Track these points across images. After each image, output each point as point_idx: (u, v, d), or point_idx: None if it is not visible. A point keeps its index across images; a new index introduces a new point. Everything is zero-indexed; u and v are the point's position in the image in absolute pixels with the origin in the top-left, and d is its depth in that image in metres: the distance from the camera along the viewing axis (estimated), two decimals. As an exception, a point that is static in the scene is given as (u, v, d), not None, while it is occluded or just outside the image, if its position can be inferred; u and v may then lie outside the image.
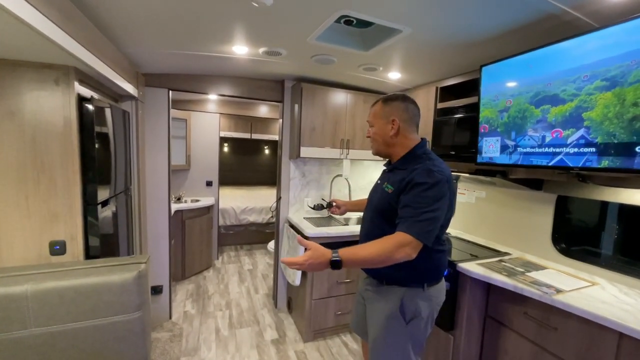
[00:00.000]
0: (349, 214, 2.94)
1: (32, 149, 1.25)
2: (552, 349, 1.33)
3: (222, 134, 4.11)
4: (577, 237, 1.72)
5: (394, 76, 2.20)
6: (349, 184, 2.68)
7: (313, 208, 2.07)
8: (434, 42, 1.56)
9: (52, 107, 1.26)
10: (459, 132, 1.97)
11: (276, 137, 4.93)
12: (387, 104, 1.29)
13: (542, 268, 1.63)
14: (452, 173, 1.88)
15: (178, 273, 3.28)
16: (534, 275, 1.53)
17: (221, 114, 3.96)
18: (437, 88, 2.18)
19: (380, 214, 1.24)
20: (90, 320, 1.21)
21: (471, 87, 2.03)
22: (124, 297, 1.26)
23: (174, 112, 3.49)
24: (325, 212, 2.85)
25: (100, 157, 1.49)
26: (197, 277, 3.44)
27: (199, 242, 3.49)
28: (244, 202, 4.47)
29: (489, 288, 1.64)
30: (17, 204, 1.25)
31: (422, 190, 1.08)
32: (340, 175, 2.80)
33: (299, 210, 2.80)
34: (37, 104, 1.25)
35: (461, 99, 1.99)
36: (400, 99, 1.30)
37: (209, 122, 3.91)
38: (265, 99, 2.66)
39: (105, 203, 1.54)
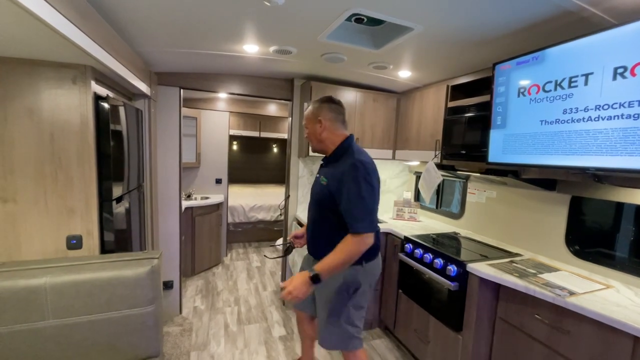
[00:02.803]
0: (357, 213, 2.94)
1: (50, 146, 1.29)
2: (565, 352, 1.31)
3: (232, 132, 4.15)
4: (591, 238, 1.69)
5: (404, 74, 2.19)
6: (357, 182, 2.68)
7: (283, 256, 2.20)
8: (445, 40, 1.54)
9: (70, 106, 1.29)
10: (470, 131, 1.95)
11: (284, 136, 4.96)
12: (315, 106, 1.45)
13: (555, 270, 1.61)
14: (463, 172, 1.93)
15: (188, 269, 3.34)
16: (546, 277, 1.50)
17: (231, 112, 3.99)
18: (447, 86, 2.15)
19: (321, 204, 1.43)
20: (105, 313, 1.25)
21: (482, 85, 2.00)
22: (138, 291, 1.29)
23: (184, 111, 3.54)
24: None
25: (114, 154, 1.52)
26: (207, 274, 3.49)
27: (208, 239, 3.54)
28: (252, 200, 4.51)
29: (499, 289, 1.63)
30: (35, 200, 1.29)
31: (356, 186, 1.25)
32: (349, 174, 2.79)
33: (307, 209, 2.80)
34: (55, 103, 1.28)
35: (472, 98, 1.97)
36: (325, 100, 1.46)
37: (219, 121, 3.95)
38: (274, 98, 2.67)
39: (119, 199, 1.57)
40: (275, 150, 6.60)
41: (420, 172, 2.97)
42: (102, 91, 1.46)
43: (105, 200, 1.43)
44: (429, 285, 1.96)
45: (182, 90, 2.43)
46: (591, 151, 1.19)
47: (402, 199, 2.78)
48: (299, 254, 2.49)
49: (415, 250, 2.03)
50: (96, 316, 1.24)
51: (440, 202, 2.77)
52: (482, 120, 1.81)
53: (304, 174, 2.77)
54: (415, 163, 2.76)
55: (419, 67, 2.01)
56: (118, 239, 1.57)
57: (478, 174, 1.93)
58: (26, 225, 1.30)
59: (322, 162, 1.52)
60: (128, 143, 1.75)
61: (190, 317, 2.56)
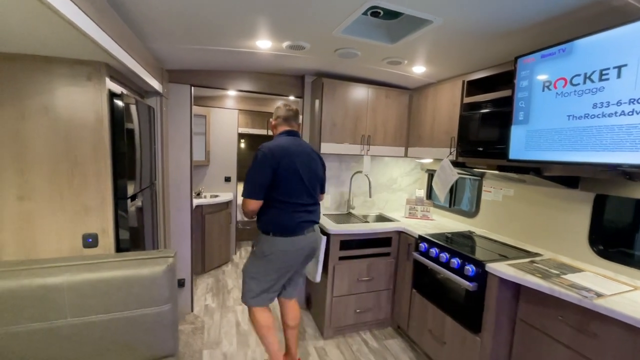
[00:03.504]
0: (367, 211, 2.91)
1: (65, 144, 1.28)
2: (591, 355, 1.27)
3: (240, 130, 4.13)
4: (616, 238, 1.63)
5: (419, 70, 2.14)
6: (369, 180, 2.64)
7: None
8: (465, 33, 1.50)
9: (84, 103, 1.28)
10: (487, 127, 1.89)
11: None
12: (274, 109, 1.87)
13: (578, 270, 1.56)
14: (480, 170, 1.90)
15: (198, 267, 3.34)
16: (571, 277, 1.45)
17: (239, 110, 3.98)
18: (463, 82, 2.10)
19: None
20: (122, 312, 1.24)
21: (500, 80, 1.95)
22: (154, 290, 1.28)
23: (194, 109, 3.53)
24: (344, 210, 2.83)
25: (129, 152, 1.51)
26: (217, 272, 3.49)
27: (218, 237, 3.54)
28: (261, 198, 4.49)
29: (519, 290, 1.58)
30: (51, 197, 1.29)
31: (251, 163, 1.65)
32: (360, 172, 2.76)
33: (318, 207, 2.78)
34: (70, 100, 1.27)
35: (489, 93, 1.91)
36: (279, 105, 1.88)
37: (228, 119, 3.94)
38: (285, 95, 2.64)
39: (133, 198, 1.56)
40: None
41: (433, 170, 2.92)
42: (117, 88, 1.45)
43: (120, 199, 1.42)
44: (445, 285, 1.92)
45: (193, 87, 2.41)
46: (624, 147, 1.13)
47: (415, 197, 2.73)
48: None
49: (431, 250, 1.99)
50: (113, 315, 1.23)
51: (454, 200, 2.72)
52: (501, 116, 1.76)
53: (315, 172, 2.73)
54: (428, 161, 2.71)
55: (434, 62, 1.96)
56: (132, 237, 1.57)
57: (496, 172, 1.88)
58: (43, 224, 1.29)
59: None
60: (141, 141, 1.74)
61: (201, 315, 2.56)
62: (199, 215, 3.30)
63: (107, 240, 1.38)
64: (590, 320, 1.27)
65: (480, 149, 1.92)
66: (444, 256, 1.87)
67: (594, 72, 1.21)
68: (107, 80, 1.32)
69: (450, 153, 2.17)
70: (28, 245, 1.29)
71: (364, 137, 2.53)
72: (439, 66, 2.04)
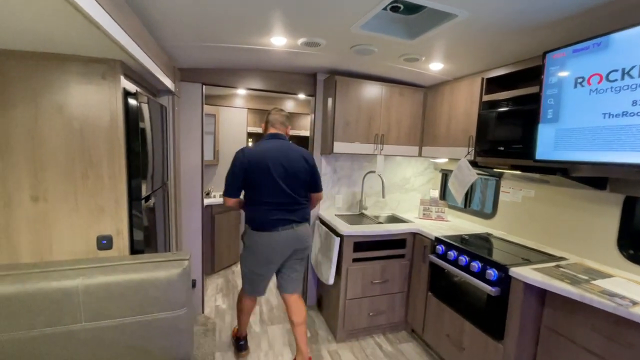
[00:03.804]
0: (379, 212, 2.86)
1: (80, 143, 1.25)
2: (626, 366, 1.20)
3: (249, 129, 4.11)
4: (647, 242, 1.56)
5: (436, 67, 2.07)
6: (382, 180, 2.59)
7: None
8: (491, 28, 1.43)
9: (99, 102, 1.25)
10: (509, 126, 1.83)
11: (301, 133, 4.89)
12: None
13: (608, 276, 1.49)
14: (500, 170, 1.87)
15: (208, 267, 3.32)
16: (601, 283, 1.39)
17: (249, 109, 3.95)
18: (482, 79, 2.03)
19: None
20: (137, 316, 1.21)
21: (522, 77, 1.88)
22: (169, 294, 1.24)
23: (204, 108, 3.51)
24: (356, 210, 2.78)
25: (142, 152, 1.48)
26: (226, 272, 3.47)
27: (227, 236, 3.51)
28: (269, 198, 4.46)
29: (544, 295, 1.52)
30: (66, 198, 1.26)
31: None
32: (373, 172, 2.70)
33: (330, 207, 2.74)
34: (85, 98, 1.24)
35: (511, 90, 1.84)
36: (270, 109, 2.03)
37: (237, 118, 3.91)
38: (296, 93, 2.60)
39: (147, 198, 1.54)
40: (290, 147, 6.53)
41: (447, 170, 2.85)
42: (131, 87, 1.42)
43: (134, 199, 1.39)
44: (463, 289, 1.86)
45: (204, 86, 2.38)
46: (667, 147, 1.07)
47: (429, 198, 2.67)
48: (322, 254, 2.43)
49: (449, 252, 1.93)
50: (128, 319, 1.20)
51: (470, 201, 2.66)
52: (525, 115, 1.69)
53: (327, 172, 2.69)
54: (443, 160, 2.65)
55: (453, 58, 1.89)
56: (146, 238, 1.54)
57: (517, 172, 1.82)
58: (57, 225, 1.27)
59: None
60: (153, 140, 1.71)
61: (212, 317, 2.53)
62: (209, 215, 3.28)
63: (122, 242, 1.35)
64: (625, 330, 1.20)
65: (501, 148, 1.86)
66: (463, 259, 1.81)
67: (633, 67, 1.14)
68: (122, 79, 1.29)
69: (468, 153, 2.11)
70: (44, 247, 1.27)
71: (377, 136, 2.48)
72: (457, 63, 1.98)
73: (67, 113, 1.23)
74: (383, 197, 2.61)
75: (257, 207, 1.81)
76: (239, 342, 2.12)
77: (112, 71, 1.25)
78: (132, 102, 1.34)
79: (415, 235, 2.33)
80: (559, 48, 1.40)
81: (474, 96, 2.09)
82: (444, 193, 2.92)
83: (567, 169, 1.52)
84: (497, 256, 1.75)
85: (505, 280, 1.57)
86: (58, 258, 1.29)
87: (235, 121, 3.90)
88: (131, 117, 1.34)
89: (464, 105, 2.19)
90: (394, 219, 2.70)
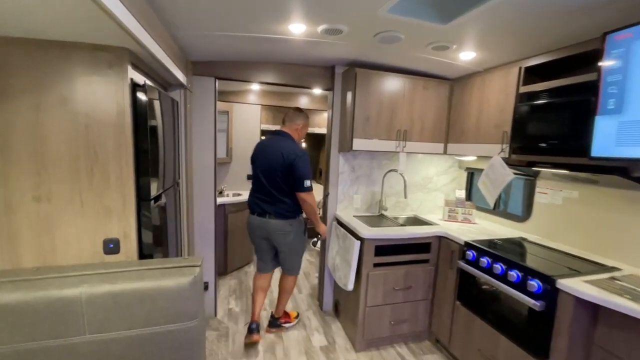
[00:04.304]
0: (400, 213, 2.69)
1: (85, 139, 1.16)
2: None
3: (263, 126, 4.01)
4: None
5: (467, 56, 1.90)
6: (404, 180, 2.43)
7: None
8: (537, 8, 1.26)
9: (105, 94, 1.15)
10: (552, 120, 1.64)
11: (316, 130, 4.76)
12: None
13: (675, 291, 1.29)
14: (543, 169, 1.87)
15: (220, 268, 3.24)
16: (670, 300, 1.20)
17: (262, 105, 3.84)
18: (520, 69, 1.84)
19: None
20: (145, 328, 1.10)
21: (566, 65, 1.69)
22: (180, 304, 1.13)
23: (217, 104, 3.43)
24: (375, 211, 2.63)
25: (152, 148, 1.38)
26: (239, 273, 3.38)
27: (240, 236, 3.42)
28: (283, 197, 4.36)
29: (597, 311, 1.34)
30: (71, 198, 1.17)
31: None
32: (394, 170, 2.54)
33: (347, 208, 2.60)
34: (90, 90, 1.14)
35: (556, 80, 1.64)
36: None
37: (250, 114, 3.82)
38: (312, 87, 2.46)
39: (157, 198, 1.44)
40: (304, 144, 6.42)
41: (473, 169, 2.66)
42: (140, 79, 1.31)
43: (142, 200, 1.29)
44: (497, 299, 1.69)
45: (217, 80, 2.28)
46: None
47: (455, 199, 2.49)
48: (340, 257, 2.29)
49: (481, 259, 1.76)
50: (135, 331, 1.09)
51: (499, 202, 2.46)
52: (573, 106, 1.51)
53: (345, 170, 2.55)
54: (470, 158, 2.46)
55: (489, 45, 1.71)
56: (155, 241, 1.44)
57: (564, 171, 1.63)
58: (61, 227, 1.18)
59: None
60: (164, 137, 1.61)
61: (225, 321, 2.44)
62: (222, 214, 3.20)
63: (130, 246, 1.25)
64: None
65: (543, 144, 1.67)
66: (498, 267, 1.64)
67: None
68: (130, 69, 1.19)
69: (502, 150, 1.92)
70: (46, 250, 1.18)
71: (399, 132, 2.31)
72: (492, 51, 1.79)
73: (71, 106, 1.13)
74: (405, 197, 2.45)
75: (250, 191, 2.17)
76: (250, 325, 2.15)
77: (119, 60, 1.15)
78: (140, 94, 1.24)
79: (441, 239, 2.16)
80: (623, 28, 1.21)
81: (509, 88, 1.90)
82: (469, 193, 2.73)
83: (627, 168, 1.33)
84: (538, 264, 1.57)
85: (551, 293, 1.39)
86: (62, 262, 1.20)
87: (248, 118, 3.81)
88: (139, 111, 1.24)
89: (496, 98, 2.00)
90: (416, 221, 2.54)
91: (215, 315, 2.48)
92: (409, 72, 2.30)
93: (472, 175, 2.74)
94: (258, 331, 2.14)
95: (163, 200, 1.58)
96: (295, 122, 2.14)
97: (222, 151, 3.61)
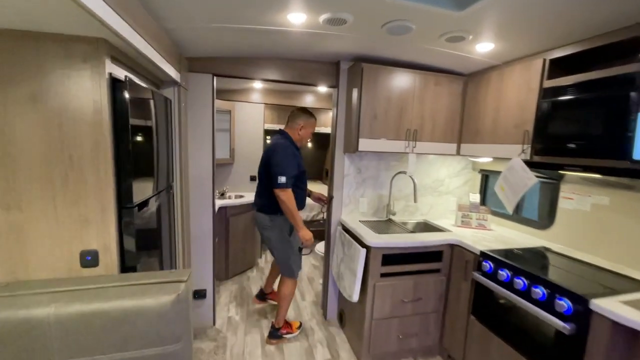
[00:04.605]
0: (409, 217, 2.54)
1: (58, 141, 1.04)
2: None
3: (266, 126, 3.89)
4: None
5: (484, 48, 1.73)
6: (414, 182, 2.27)
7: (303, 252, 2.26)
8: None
9: (80, 90, 1.04)
10: (582, 118, 1.46)
11: (321, 130, 4.62)
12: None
13: None
14: (571, 173, 1.77)
15: (221, 273, 3.13)
16: None
17: (265, 104, 3.72)
18: (544, 61, 1.67)
19: None
20: (121, 352, 0.99)
21: (598, 57, 1.51)
22: (161, 326, 1.01)
23: (218, 103, 3.31)
24: (383, 216, 2.48)
25: (138, 150, 1.26)
26: (241, 277, 3.27)
27: (242, 240, 3.31)
28: (287, 198, 4.23)
29: (636, 337, 1.16)
30: (44, 206, 1.06)
31: None
32: (403, 172, 2.39)
33: (353, 212, 2.45)
34: (63, 86, 1.03)
35: (588, 73, 1.46)
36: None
37: (253, 114, 3.70)
38: (317, 84, 2.32)
39: (143, 204, 1.32)
40: (309, 144, 6.29)
41: (488, 171, 2.49)
42: (123, 74, 1.20)
43: (125, 207, 1.17)
44: (518, 317, 1.52)
45: (215, 77, 2.16)
46: None
47: (469, 203, 2.32)
48: (345, 265, 2.15)
49: (499, 272, 1.59)
50: (110, 356, 0.98)
51: (517, 207, 2.27)
52: (609, 103, 1.33)
53: (350, 172, 2.40)
54: (485, 160, 2.29)
55: (510, 35, 1.54)
56: (142, 251, 1.32)
57: (596, 175, 1.45)
58: (33, 238, 1.07)
59: (297, 148, 2.16)
60: (156, 137, 1.50)
61: (224, 330, 2.32)
62: (223, 217, 3.09)
63: (110, 258, 1.14)
64: None
65: (572, 145, 1.49)
66: (520, 282, 1.48)
67: None
68: (108, 62, 1.07)
69: (522, 151, 1.75)
70: (17, 264, 1.07)
71: (409, 131, 2.16)
72: (513, 41, 1.62)
73: (43, 104, 1.02)
74: (415, 201, 2.29)
75: None
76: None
77: (95, 53, 1.03)
78: (120, 90, 1.12)
79: (453, 247, 2.00)
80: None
81: (531, 83, 1.73)
82: (484, 197, 2.55)
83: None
84: (566, 280, 1.40)
85: (583, 316, 1.23)
86: (35, 277, 1.09)
87: (251, 117, 3.69)
88: (120, 109, 1.12)
89: (516, 94, 1.82)
90: (426, 227, 2.38)
91: (214, 324, 2.37)
92: (419, 67, 2.14)
93: (486, 177, 2.56)
94: (261, 298, 2.61)
95: (152, 205, 1.47)
96: (296, 122, 2.12)
97: (224, 152, 3.50)
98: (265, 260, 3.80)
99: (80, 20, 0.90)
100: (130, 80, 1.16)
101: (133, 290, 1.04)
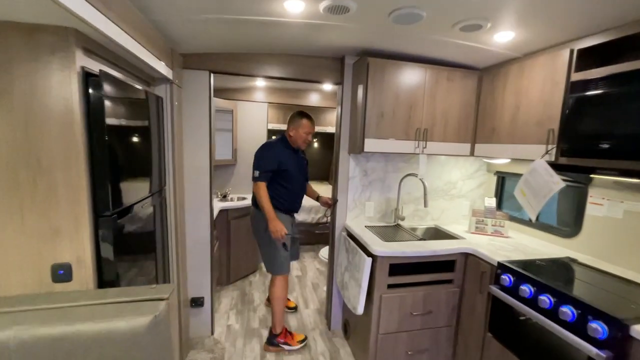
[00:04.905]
0: (419, 222, 2.38)
1: (25, 143, 0.94)
2: None
3: (270, 126, 3.78)
4: None
5: (504, 37, 1.56)
6: (424, 185, 2.11)
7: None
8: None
9: (48, 86, 0.93)
10: (618, 115, 1.29)
11: (327, 129, 4.49)
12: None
13: None
14: (604, 176, 1.58)
15: (223, 277, 3.03)
16: None
17: (269, 103, 3.61)
18: (572, 51, 1.49)
19: (305, 174, 2.26)
20: (91, 382, 0.87)
21: (634, 46, 1.33)
22: (135, 353, 0.89)
23: (220, 102, 3.23)
24: (391, 220, 2.33)
25: (118, 153, 1.15)
26: (243, 282, 3.16)
27: (245, 243, 3.20)
28: (292, 200, 4.11)
29: (688, 369, 0.99)
30: (9, 216, 0.96)
31: None
32: (412, 175, 2.23)
33: (358, 217, 2.31)
34: (29, 83, 0.92)
35: (624, 64, 1.29)
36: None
37: (257, 113, 3.59)
38: (321, 81, 2.19)
39: (126, 212, 1.21)
40: (315, 145, 6.16)
41: (505, 173, 2.31)
42: (101, 69, 1.09)
43: (101, 216, 1.06)
44: (543, 337, 1.35)
45: (212, 74, 2.05)
46: None
47: (484, 208, 2.15)
48: (349, 274, 2.01)
49: (521, 287, 1.43)
50: (78, 387, 0.86)
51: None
52: (651, 96, 1.16)
53: (356, 174, 2.26)
54: (503, 161, 2.11)
55: (532, 21, 1.38)
56: (125, 262, 1.22)
57: (634, 180, 1.28)
58: (0, 251, 0.96)
59: (293, 150, 2.14)
60: (142, 137, 1.39)
61: (222, 340, 2.21)
62: (224, 220, 2.98)
63: (84, 272, 1.03)
64: None
65: (605, 145, 1.32)
66: (545, 300, 1.31)
67: None
68: (80, 54, 0.96)
69: (547, 152, 1.58)
70: (-18, 278, 0.97)
71: (419, 131, 2.00)
72: (536, 29, 1.45)
73: (7, 102, 0.92)
74: (425, 205, 2.13)
75: None
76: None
77: (65, 43, 0.92)
78: (95, 85, 1.00)
79: (467, 256, 1.84)
80: None
81: (556, 76, 1.55)
82: (500, 201, 2.38)
83: None
84: (600, 299, 1.23)
85: (622, 343, 1.06)
86: (4, 293, 0.98)
87: (254, 117, 3.59)
88: (94, 107, 1.01)
89: (539, 88, 1.65)
90: (438, 233, 2.22)
91: (212, 333, 2.26)
92: (430, 62, 1.98)
93: (503, 180, 2.38)
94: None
95: (139, 211, 1.36)
96: (290, 126, 2.12)
97: (226, 152, 3.40)
98: (269, 264, 3.68)
99: (45, 6, 0.79)
100: (106, 74, 1.05)
101: (106, 310, 0.93)
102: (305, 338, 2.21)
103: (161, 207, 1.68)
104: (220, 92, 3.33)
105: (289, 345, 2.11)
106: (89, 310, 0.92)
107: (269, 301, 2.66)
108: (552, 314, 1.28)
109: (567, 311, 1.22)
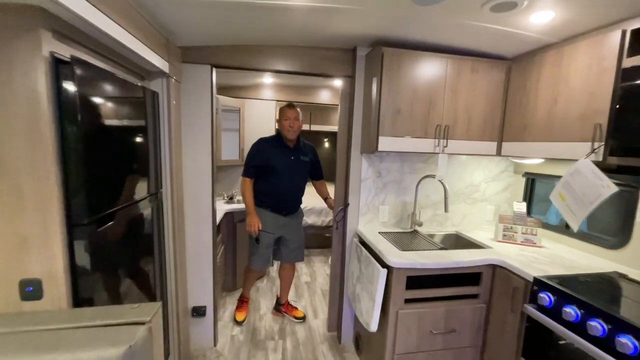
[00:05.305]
0: (438, 228, 2.17)
1: (-15, 141, 0.81)
2: None
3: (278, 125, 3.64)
4: None
5: (541, 18, 1.35)
6: (445, 187, 1.91)
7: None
8: None
9: (9, 73, 0.80)
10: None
11: (336, 128, 4.31)
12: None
13: None
14: None
15: (229, 283, 2.91)
16: None
17: (277, 101, 3.47)
18: (624, 33, 1.27)
19: (305, 174, 2.31)
20: None
21: None
22: (104, 391, 0.75)
23: (226, 100, 3.11)
24: (407, 226, 2.14)
25: (101, 152, 1.02)
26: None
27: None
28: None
29: None
30: (-30, 224, 0.83)
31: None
32: (431, 176, 2.03)
33: (372, 221, 2.13)
34: (-11, 70, 0.79)
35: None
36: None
37: (265, 112, 3.46)
38: (331, 75, 2.02)
39: (105, 218, 1.08)
40: (326, 144, 5.99)
41: (534, 174, 2.08)
42: (82, 56, 0.95)
43: (75, 224, 0.92)
44: (594, 374, 1.14)
45: (214, 69, 1.91)
46: None
47: (512, 213, 1.93)
48: (361, 286, 1.83)
49: (565, 309, 1.22)
50: None
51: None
52: None
53: (369, 176, 2.08)
54: (536, 161, 1.89)
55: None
56: (109, 276, 1.08)
57: None
58: (-41, 264, 0.84)
59: (287, 147, 2.19)
60: (135, 135, 1.26)
61: (225, 352, 2.07)
62: (230, 223, 2.86)
63: (57, 289, 0.90)
64: None
65: (671, 142, 1.10)
66: (597, 326, 1.10)
67: None
68: (48, 37, 0.83)
69: (593, 150, 1.36)
70: (-61, 296, 0.85)
71: (439, 128, 1.81)
72: (581, 6, 1.24)
73: (-36, 93, 0.79)
74: (446, 210, 1.92)
75: None
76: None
77: (29, 24, 0.79)
78: (65, 75, 0.87)
79: (495, 268, 1.63)
80: None
81: (604, 62, 1.33)
82: (529, 206, 2.14)
83: None
84: (605, 300, 1.01)
85: None
86: (-36, 312, 0.86)
87: (262, 115, 3.45)
88: (66, 99, 0.87)
89: (583, 77, 1.43)
90: (459, 241, 2.01)
91: (215, 344, 2.12)
92: (451, 51, 1.78)
93: (532, 182, 2.15)
94: (277, 309, 2.59)
95: (126, 217, 1.23)
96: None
97: (233, 152, 3.28)
98: (276, 269, 3.54)
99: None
100: (79, 60, 0.91)
101: (76, 336, 0.79)
102: (305, 316, 2.51)
103: (157, 211, 1.55)
104: (226, 90, 3.22)
105: (289, 315, 2.50)
106: (53, 336, 0.78)
107: (276, 310, 2.55)
108: (604, 343, 1.07)
109: (626, 342, 1.00)
